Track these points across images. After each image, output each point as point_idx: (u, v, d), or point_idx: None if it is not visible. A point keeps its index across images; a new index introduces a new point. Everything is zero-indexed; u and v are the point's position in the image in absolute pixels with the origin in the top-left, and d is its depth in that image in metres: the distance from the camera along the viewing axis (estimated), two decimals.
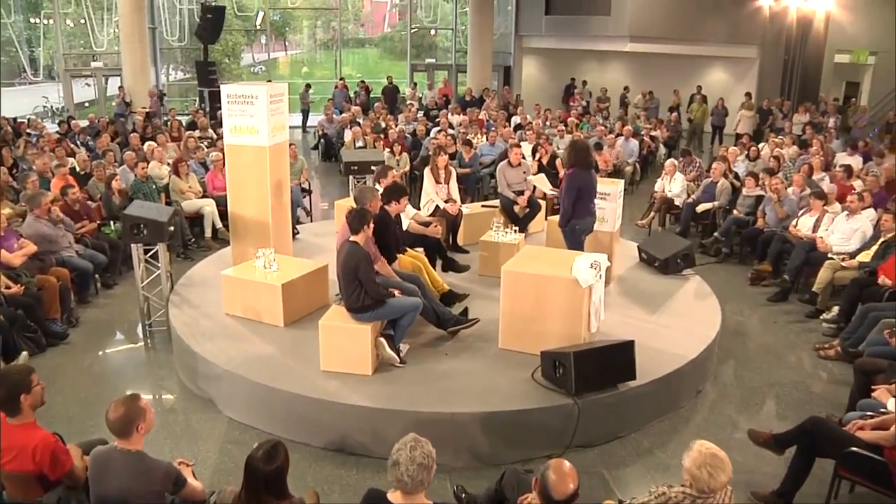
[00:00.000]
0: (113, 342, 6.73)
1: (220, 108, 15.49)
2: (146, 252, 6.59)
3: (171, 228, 6.41)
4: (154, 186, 8.89)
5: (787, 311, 7.51)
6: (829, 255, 7.39)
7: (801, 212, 8.25)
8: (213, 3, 17.05)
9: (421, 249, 6.70)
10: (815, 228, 7.92)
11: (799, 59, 19.13)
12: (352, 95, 19.11)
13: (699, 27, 18.82)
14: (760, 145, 13.25)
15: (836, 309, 7.07)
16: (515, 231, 7.36)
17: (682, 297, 6.81)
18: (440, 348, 5.56)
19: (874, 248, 7.14)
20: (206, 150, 10.52)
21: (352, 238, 5.00)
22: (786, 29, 18.85)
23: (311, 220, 10.24)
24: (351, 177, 9.52)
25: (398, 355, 5.15)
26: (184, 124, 13.40)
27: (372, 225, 5.08)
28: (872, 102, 19.63)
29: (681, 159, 10.97)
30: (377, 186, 6.64)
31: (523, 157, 8.92)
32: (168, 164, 9.69)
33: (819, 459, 4.24)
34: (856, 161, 11.39)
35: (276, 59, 26.99)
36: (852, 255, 7.31)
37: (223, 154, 9.51)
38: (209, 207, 9.08)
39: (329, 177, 13.97)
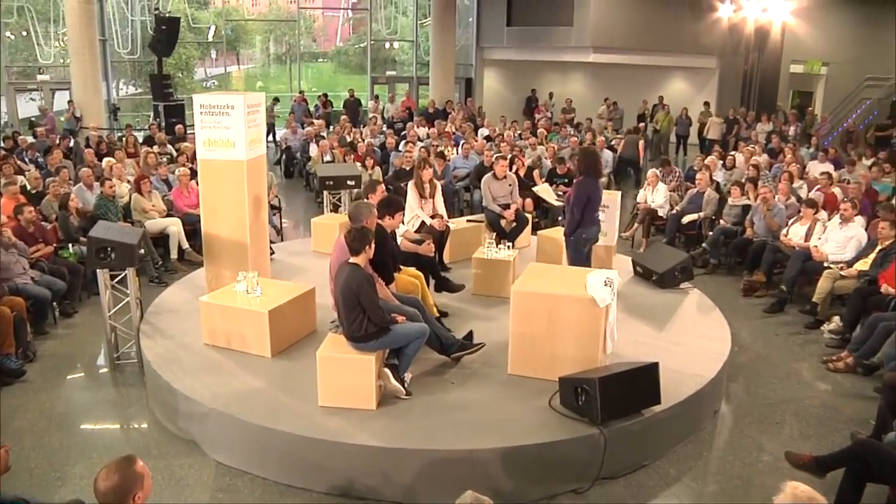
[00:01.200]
0: (76, 378, 6.07)
1: (176, 123, 15.18)
2: (113, 277, 6.01)
3: (142, 251, 5.85)
4: (118, 205, 8.26)
5: (786, 322, 7.34)
6: (826, 265, 7.25)
7: (792, 221, 8.13)
8: (168, 15, 16.34)
9: (413, 268, 6.28)
10: (808, 237, 7.81)
11: (757, 69, 19.44)
12: (311, 109, 18.59)
13: (661, 38, 18.97)
14: (732, 153, 13.30)
15: (836, 319, 6.93)
16: (509, 247, 7.01)
17: (685, 313, 6.55)
18: (445, 376, 5.15)
19: (872, 255, 7.02)
20: (167, 165, 9.89)
21: (352, 260, 4.56)
22: (744, 40, 19.13)
23: (283, 240, 9.71)
24: (326, 192, 9.05)
25: (404, 386, 4.71)
26: (139, 140, 12.69)
27: (373, 245, 4.65)
28: (825, 112, 20.07)
29: (660, 169, 10.82)
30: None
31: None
32: (129, 181, 9.06)
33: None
34: (828, 168, 11.44)
35: (230, 73, 26.27)
36: (849, 264, 7.18)
37: (191, 169, 9.05)
38: (175, 227, 8.48)
39: (291, 193, 13.40)
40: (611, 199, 6.74)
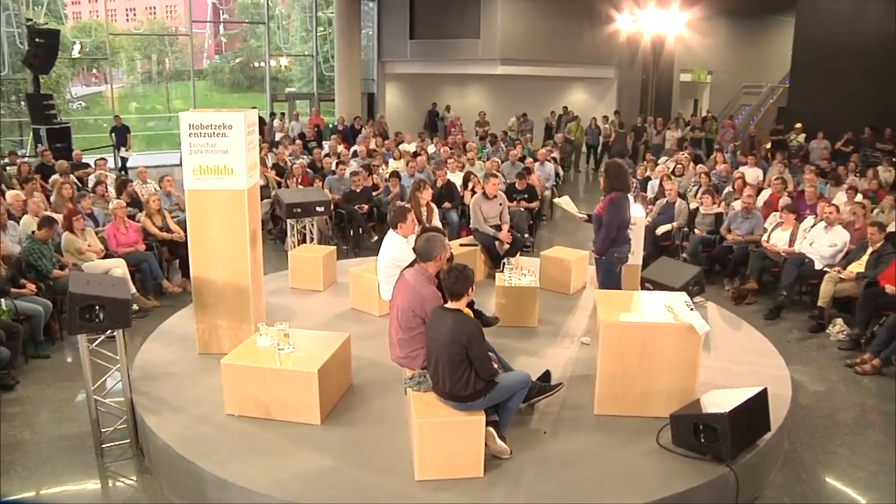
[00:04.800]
0: (50, 478, 4.65)
1: (62, 148, 13.34)
2: (91, 341, 4.88)
3: (136, 307, 4.79)
4: (51, 249, 6.92)
5: (788, 328, 7.38)
6: (824, 269, 7.36)
7: (773, 227, 8.24)
8: (45, 27, 14.40)
9: None
10: (791, 242, 7.93)
11: (653, 78, 20.28)
12: None
13: (563, 49, 19.33)
14: (662, 158, 13.65)
15: (840, 322, 7.04)
16: (529, 272, 6.51)
17: (719, 329, 6.37)
18: (530, 426, 4.57)
19: (864, 258, 7.20)
20: (90, 197, 8.51)
21: (451, 305, 3.87)
22: (641, 50, 19.90)
23: None
24: (290, 221, 8.13)
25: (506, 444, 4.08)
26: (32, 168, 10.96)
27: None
28: None
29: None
30: (396, 233, 5.50)
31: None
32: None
33: None
34: (755, 172, 11.93)
35: (100, 93, 23.94)
36: (843, 267, 7.32)
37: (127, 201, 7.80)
38: (119, 269, 7.22)
39: None
40: (637, 216, 6.42)
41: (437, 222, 6.98)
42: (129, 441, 4.89)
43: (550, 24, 19.05)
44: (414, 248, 4.40)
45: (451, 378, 3.82)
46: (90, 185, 10.31)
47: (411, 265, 4.79)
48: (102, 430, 4.86)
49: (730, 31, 20.65)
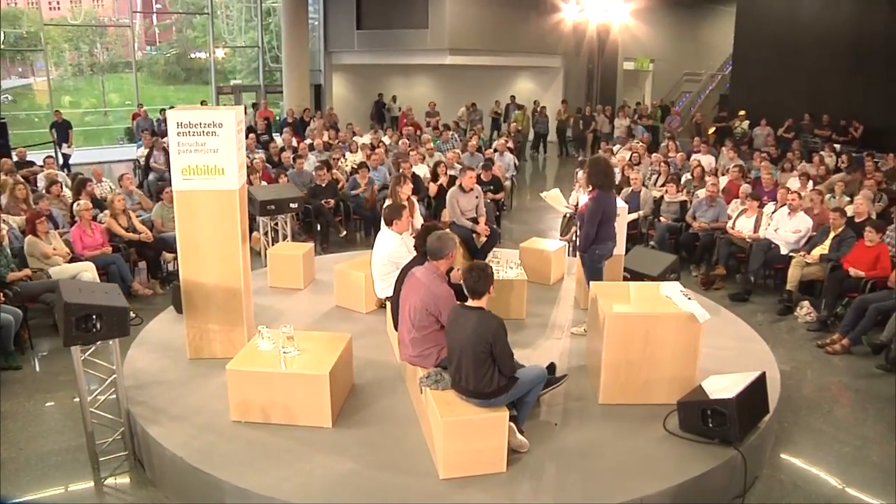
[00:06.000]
0: (40, 501, 4.45)
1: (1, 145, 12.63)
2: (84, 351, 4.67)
3: (133, 315, 4.62)
4: (7, 254, 6.57)
5: (755, 311, 7.67)
6: (790, 254, 7.69)
7: (737, 214, 8.55)
8: None
9: None
10: (756, 229, 8.25)
11: (598, 66, 20.64)
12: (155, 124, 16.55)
13: (510, 38, 19.45)
14: (616, 147, 13.93)
15: (806, 304, 7.38)
16: (516, 265, 6.57)
17: None
18: (539, 418, 4.63)
19: (827, 242, 7.55)
20: (47, 198, 8.11)
21: (472, 303, 3.88)
22: (587, 39, 20.21)
23: None
24: (262, 218, 7.96)
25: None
26: None
27: None
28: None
29: (577, 170, 10.92)
30: (392, 229, 5.46)
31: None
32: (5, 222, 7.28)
33: None
34: (708, 159, 12.34)
35: (30, 85, 22.78)
36: (808, 251, 7.66)
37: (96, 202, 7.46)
38: (89, 273, 6.93)
39: None
40: (620, 209, 6.54)
41: (418, 217, 6.94)
42: (126, 453, 4.72)
43: (498, 13, 19.11)
44: (426, 247, 4.37)
45: (476, 376, 3.83)
46: (40, 184, 9.85)
47: (413, 263, 4.79)
48: (97, 443, 4.67)
49: (671, 20, 21.17)
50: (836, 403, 5.76)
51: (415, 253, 5.30)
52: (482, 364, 3.81)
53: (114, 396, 4.73)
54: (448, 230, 4.58)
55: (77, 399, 5.14)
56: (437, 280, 4.26)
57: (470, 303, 3.93)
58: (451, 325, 3.98)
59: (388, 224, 5.49)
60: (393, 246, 5.39)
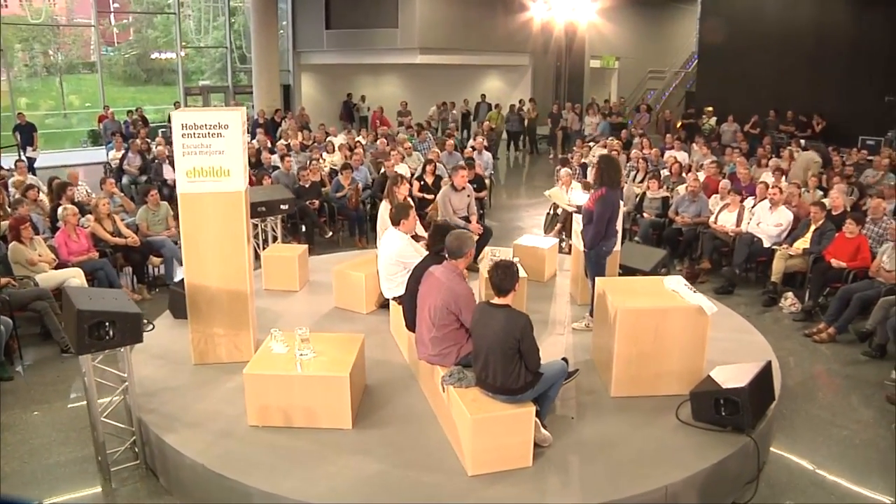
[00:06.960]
0: None
1: None
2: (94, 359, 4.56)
3: (146, 322, 4.54)
4: None
5: (740, 303, 7.86)
6: (773, 247, 7.92)
7: (719, 208, 8.76)
8: None
9: None
10: (738, 223, 8.47)
11: (566, 65, 20.89)
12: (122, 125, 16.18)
13: (479, 37, 19.60)
14: (591, 145, 14.12)
15: (790, 295, 7.61)
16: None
17: None
18: (556, 413, 4.68)
19: (808, 235, 7.80)
20: (26, 203, 7.88)
21: (497, 301, 3.92)
22: (554, 38, 20.44)
23: None
24: (254, 220, 7.85)
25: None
26: None
27: None
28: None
29: (559, 168, 11.05)
30: (399, 229, 5.47)
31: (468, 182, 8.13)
32: None
33: None
34: (682, 156, 12.60)
35: None
36: (790, 244, 7.89)
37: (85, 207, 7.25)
38: (77, 279, 6.78)
39: None
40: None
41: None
42: (137, 462, 4.64)
43: (467, 12, 19.22)
44: (445, 246, 4.39)
45: (504, 372, 3.88)
46: (10, 189, 9.55)
47: (425, 262, 4.81)
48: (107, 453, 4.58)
49: (636, 18, 21.56)
50: (829, 389, 5.98)
51: (422, 252, 5.33)
52: (510, 361, 3.86)
53: (120, 405, 4.66)
54: (465, 231, 4.59)
55: (71, 406, 5.09)
56: (457, 279, 4.29)
57: (496, 300, 3.97)
58: (477, 323, 4.01)
59: (396, 224, 5.49)
60: (400, 245, 5.40)
